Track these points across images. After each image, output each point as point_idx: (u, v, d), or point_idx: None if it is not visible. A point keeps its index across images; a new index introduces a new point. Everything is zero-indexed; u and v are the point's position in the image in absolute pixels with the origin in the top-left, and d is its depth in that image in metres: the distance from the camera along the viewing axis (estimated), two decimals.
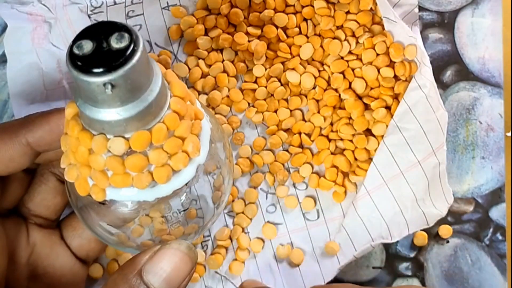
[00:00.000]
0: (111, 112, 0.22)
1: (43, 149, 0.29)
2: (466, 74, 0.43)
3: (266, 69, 0.42)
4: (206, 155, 0.26)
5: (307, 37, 0.41)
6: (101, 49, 0.22)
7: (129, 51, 0.21)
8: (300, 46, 0.41)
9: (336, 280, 0.42)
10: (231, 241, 0.42)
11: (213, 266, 0.42)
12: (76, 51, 0.21)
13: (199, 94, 0.42)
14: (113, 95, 0.22)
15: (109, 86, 0.21)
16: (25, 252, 0.31)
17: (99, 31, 0.22)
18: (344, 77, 0.41)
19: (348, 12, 0.41)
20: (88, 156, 0.24)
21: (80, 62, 0.21)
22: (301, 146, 0.43)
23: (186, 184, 0.26)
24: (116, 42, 0.21)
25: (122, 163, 0.24)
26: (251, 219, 0.43)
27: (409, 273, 0.44)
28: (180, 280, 0.26)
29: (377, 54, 0.40)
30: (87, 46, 0.22)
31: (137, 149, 0.24)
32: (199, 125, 0.26)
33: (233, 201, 0.42)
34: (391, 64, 0.40)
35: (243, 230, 0.42)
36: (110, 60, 0.21)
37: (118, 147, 0.23)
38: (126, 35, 0.21)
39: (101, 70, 0.21)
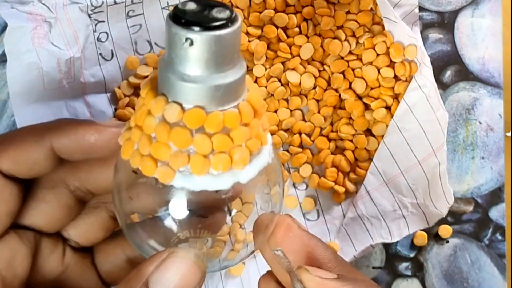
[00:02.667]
0: (180, 75, 0.23)
1: (65, 157, 0.29)
2: (466, 74, 0.43)
3: (266, 69, 0.42)
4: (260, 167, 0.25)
5: (307, 37, 0.41)
6: (201, 13, 0.23)
7: (221, 23, 0.22)
8: (300, 46, 0.41)
9: None
10: (229, 236, 0.42)
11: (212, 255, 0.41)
12: (180, 6, 0.23)
13: None
14: (190, 56, 0.22)
15: (189, 42, 0.22)
16: (56, 270, 0.31)
17: (205, 3, 0.23)
18: (344, 77, 0.41)
19: (348, 12, 0.41)
20: (145, 117, 0.24)
21: (177, 15, 0.22)
22: (301, 146, 0.43)
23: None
24: (216, 12, 0.22)
25: (169, 132, 0.23)
26: (247, 217, 0.42)
27: (409, 273, 0.44)
28: None
29: (377, 54, 0.40)
30: (192, 6, 0.23)
31: (189, 123, 0.23)
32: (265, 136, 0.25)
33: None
34: (391, 64, 0.40)
35: (240, 227, 0.42)
36: (203, 22, 0.22)
37: (172, 112, 0.23)
38: (228, 12, 0.23)
39: (189, 26, 0.22)
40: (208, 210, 0.28)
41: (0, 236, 0.29)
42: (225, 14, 0.22)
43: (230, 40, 0.22)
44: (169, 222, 0.27)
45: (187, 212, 0.26)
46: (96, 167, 0.30)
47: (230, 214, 0.29)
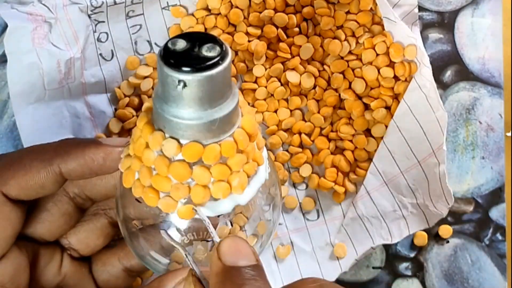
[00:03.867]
0: (175, 112, 0.23)
1: (73, 179, 0.30)
2: (466, 74, 0.43)
3: (266, 69, 0.42)
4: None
5: (307, 37, 0.41)
6: (191, 51, 0.23)
7: (212, 62, 0.22)
8: (300, 46, 0.41)
9: (337, 280, 0.42)
10: None
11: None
12: (170, 45, 0.23)
13: None
14: (183, 96, 0.22)
15: (182, 84, 0.22)
16: (54, 279, 0.32)
17: (194, 38, 0.23)
18: (344, 77, 0.41)
19: (348, 12, 0.41)
20: (143, 149, 0.24)
21: (168, 55, 0.22)
22: (301, 146, 0.43)
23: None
24: (206, 50, 0.23)
25: (168, 166, 0.24)
26: (247, 218, 0.43)
27: (409, 273, 0.44)
28: None
29: (377, 54, 0.40)
30: (181, 44, 0.23)
31: (187, 158, 0.24)
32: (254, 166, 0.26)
33: None
34: (391, 64, 0.40)
35: (241, 229, 0.42)
36: (194, 62, 0.22)
37: (170, 148, 0.23)
38: (218, 48, 0.23)
39: (181, 68, 0.22)
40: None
41: (4, 254, 0.29)
42: (215, 51, 0.22)
43: (222, 77, 0.23)
44: (172, 231, 0.27)
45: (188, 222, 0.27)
46: None
47: (232, 226, 0.29)
